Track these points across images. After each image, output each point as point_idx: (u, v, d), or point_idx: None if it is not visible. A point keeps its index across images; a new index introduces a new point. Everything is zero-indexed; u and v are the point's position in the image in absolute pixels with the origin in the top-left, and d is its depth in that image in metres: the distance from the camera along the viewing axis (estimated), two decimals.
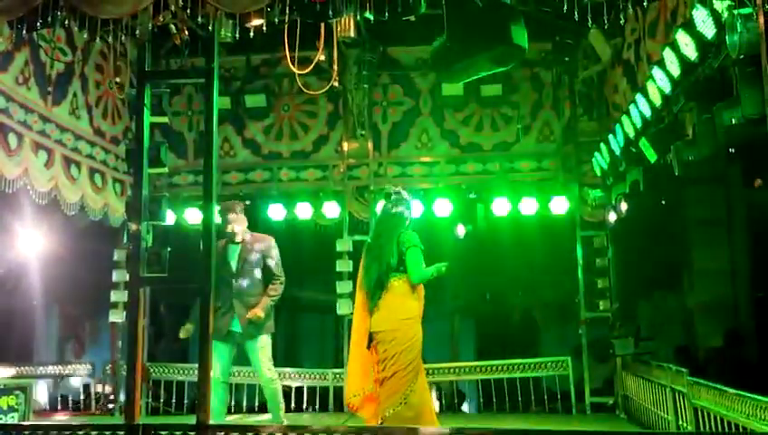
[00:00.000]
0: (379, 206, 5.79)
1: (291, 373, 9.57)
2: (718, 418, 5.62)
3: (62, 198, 8.07)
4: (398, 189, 5.90)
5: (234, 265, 6.41)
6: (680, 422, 6.58)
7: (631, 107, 6.94)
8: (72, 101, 8.26)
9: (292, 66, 5.88)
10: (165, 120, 5.06)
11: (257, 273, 6.42)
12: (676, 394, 6.67)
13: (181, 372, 9.68)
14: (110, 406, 9.62)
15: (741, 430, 5.04)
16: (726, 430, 5.28)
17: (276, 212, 9.69)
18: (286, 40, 5.71)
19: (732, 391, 5.43)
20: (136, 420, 4.45)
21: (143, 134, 4.77)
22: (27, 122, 7.43)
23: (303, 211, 9.69)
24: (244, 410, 9.44)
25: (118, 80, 8.66)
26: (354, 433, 4.23)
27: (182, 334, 6.22)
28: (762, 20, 4.18)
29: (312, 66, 6.03)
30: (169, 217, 8.81)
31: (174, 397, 9.60)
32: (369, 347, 5.43)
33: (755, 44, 4.27)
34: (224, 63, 9.18)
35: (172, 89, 9.51)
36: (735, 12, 4.47)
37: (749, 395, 5.11)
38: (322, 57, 6.38)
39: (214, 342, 5.98)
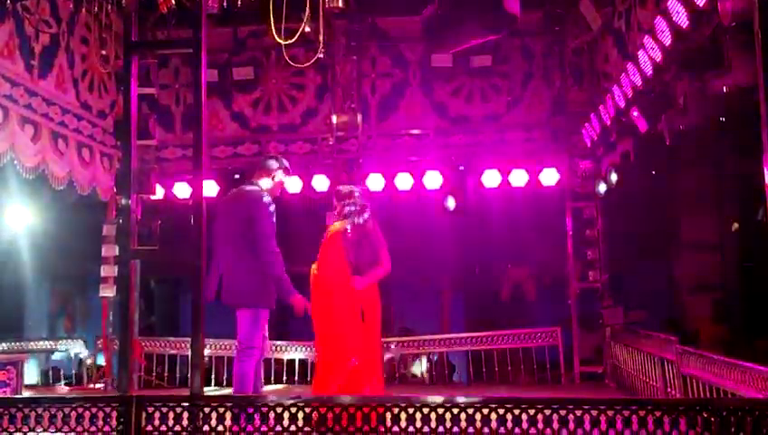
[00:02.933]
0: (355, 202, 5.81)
1: (282, 346, 9.60)
2: (707, 385, 5.69)
3: (50, 173, 8.01)
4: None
5: None
6: (668, 390, 6.65)
7: (622, 76, 6.92)
8: (58, 75, 8.16)
9: (278, 38, 5.81)
10: (152, 91, 4.99)
11: None
12: (665, 362, 6.74)
13: (173, 345, 9.70)
14: (103, 379, 9.63)
15: (730, 396, 5.09)
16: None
17: None
18: (272, 11, 5.65)
19: (720, 358, 5.48)
20: (130, 393, 4.44)
21: (131, 105, 4.71)
22: (13, 96, 7.33)
23: (293, 185, 9.66)
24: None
25: (104, 52, 8.54)
26: (354, 403, 4.23)
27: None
28: None
29: (296, 37, 5.96)
30: (158, 192, 8.81)
31: (166, 370, 9.62)
32: (363, 320, 5.61)
33: (747, 12, 4.24)
34: (210, 36, 9.07)
35: (159, 60, 9.45)
36: None
37: (737, 362, 5.17)
38: (308, 28, 6.29)
39: None
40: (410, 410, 4.09)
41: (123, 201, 4.70)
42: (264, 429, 4.12)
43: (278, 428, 4.11)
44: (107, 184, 9.16)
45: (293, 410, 4.20)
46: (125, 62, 4.79)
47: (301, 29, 6.02)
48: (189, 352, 4.57)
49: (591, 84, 9.20)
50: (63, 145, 8.27)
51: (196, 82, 4.73)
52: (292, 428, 4.08)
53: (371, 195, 6.70)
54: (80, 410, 4.37)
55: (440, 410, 4.07)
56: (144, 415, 4.33)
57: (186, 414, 4.28)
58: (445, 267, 13.11)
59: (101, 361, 9.85)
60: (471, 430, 4.01)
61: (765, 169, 3.85)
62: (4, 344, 9.46)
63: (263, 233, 5.22)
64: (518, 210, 10.48)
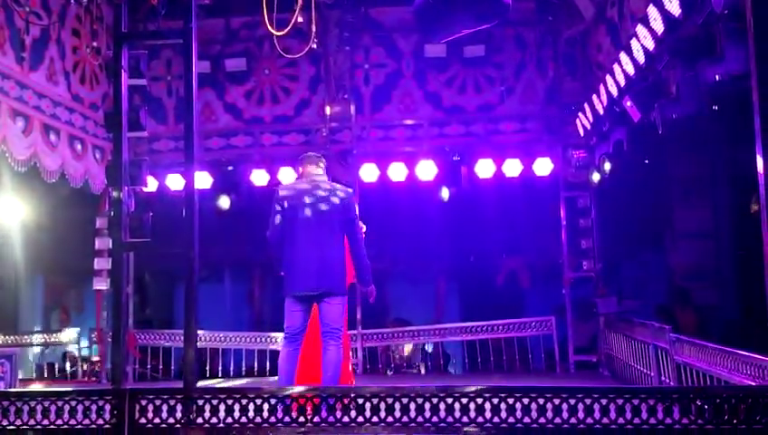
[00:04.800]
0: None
1: (280, 338, 9.61)
2: (700, 373, 5.70)
3: (42, 166, 7.98)
4: None
5: None
6: (662, 378, 6.66)
7: (615, 66, 6.91)
8: (49, 67, 8.11)
9: (271, 28, 5.79)
10: (143, 82, 4.96)
11: None
12: (659, 351, 6.75)
13: (167, 337, 9.69)
14: (97, 372, 9.63)
15: (723, 383, 5.11)
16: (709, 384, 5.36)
17: (259, 177, 9.64)
18: (264, 1, 5.62)
19: (713, 346, 5.49)
20: (123, 386, 4.43)
21: (121, 97, 4.69)
22: (4, 89, 7.30)
23: (286, 176, 9.62)
24: (231, 374, 9.51)
25: (95, 44, 8.49)
26: (342, 393, 4.24)
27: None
28: None
29: (289, 28, 5.93)
30: (151, 184, 8.78)
31: (161, 363, 9.63)
32: None
33: None
34: (202, 26, 9.04)
35: (150, 51, 9.38)
36: None
37: (730, 350, 5.18)
38: (301, 19, 6.26)
39: None
40: (404, 401, 4.10)
41: (115, 194, 4.68)
42: (287, 420, 4.16)
43: (301, 419, 4.16)
44: (99, 177, 9.12)
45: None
46: (115, 53, 4.77)
47: (293, 20, 5.99)
48: (183, 345, 4.56)
49: (584, 74, 9.19)
50: (55, 138, 8.23)
51: (187, 73, 4.71)
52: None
53: None
54: (73, 403, 4.36)
55: (434, 400, 4.09)
56: (137, 408, 4.33)
57: (179, 407, 4.29)
58: (439, 257, 13.08)
59: (96, 353, 9.84)
60: (465, 419, 4.03)
61: (759, 157, 3.86)
62: None
63: (355, 223, 5.33)
64: (512, 200, 10.48)
